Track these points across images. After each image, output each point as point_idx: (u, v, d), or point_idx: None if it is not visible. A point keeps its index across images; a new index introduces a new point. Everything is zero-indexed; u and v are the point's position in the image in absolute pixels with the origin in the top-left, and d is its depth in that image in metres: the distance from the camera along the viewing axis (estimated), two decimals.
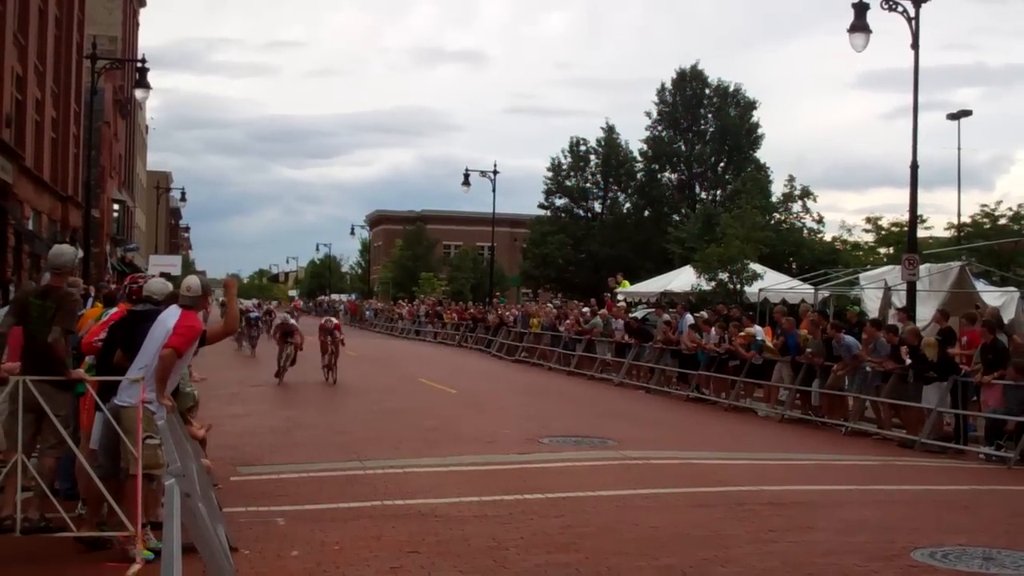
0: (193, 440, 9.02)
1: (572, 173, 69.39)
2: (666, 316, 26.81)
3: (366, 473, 12.94)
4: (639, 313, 32.07)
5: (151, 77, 31.66)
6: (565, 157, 69.45)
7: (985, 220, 41.26)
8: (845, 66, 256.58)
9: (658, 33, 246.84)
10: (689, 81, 65.02)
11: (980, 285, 25.69)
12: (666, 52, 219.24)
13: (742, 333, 22.18)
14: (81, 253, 9.23)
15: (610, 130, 68.64)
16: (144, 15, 73.15)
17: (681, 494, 11.87)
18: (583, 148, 69.25)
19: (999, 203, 41.82)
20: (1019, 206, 41.25)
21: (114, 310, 10.28)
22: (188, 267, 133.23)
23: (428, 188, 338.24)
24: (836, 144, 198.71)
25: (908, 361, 17.77)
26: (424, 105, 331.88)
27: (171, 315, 8.65)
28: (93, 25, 47.39)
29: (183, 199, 79.38)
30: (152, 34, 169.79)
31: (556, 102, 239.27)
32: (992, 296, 24.28)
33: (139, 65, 32.47)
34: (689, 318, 25.47)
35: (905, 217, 25.20)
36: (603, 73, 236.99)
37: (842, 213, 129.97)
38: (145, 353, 8.47)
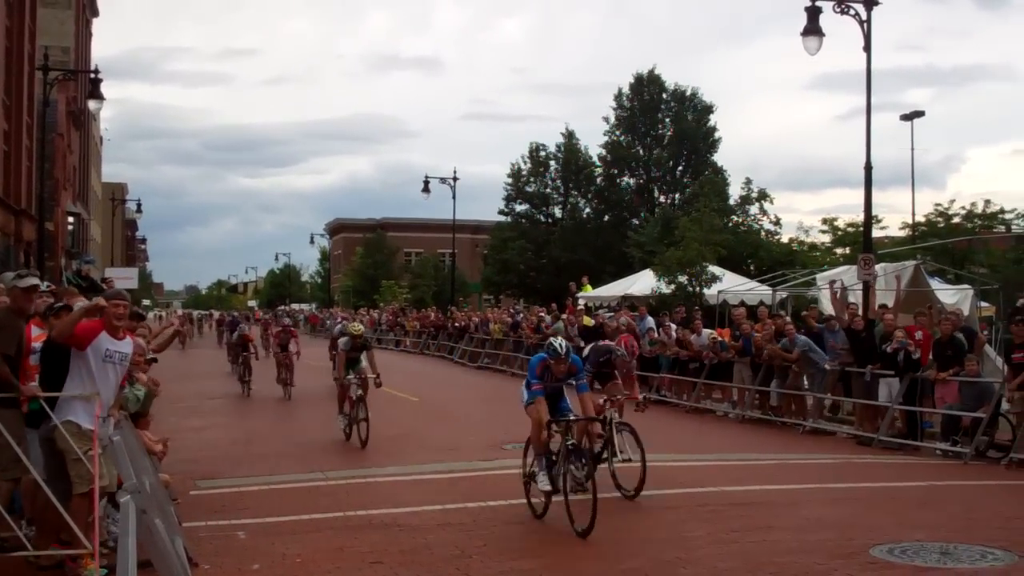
0: (150, 455, 8.95)
1: (532, 179, 69.49)
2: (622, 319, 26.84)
3: (328, 484, 12.89)
4: (605, 315, 32.10)
5: (104, 87, 31.40)
6: (525, 163, 69.60)
7: (939, 219, 41.70)
8: (799, 69, 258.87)
9: (614, 38, 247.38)
10: (646, 86, 65.28)
11: (935, 283, 25.95)
12: (623, 57, 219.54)
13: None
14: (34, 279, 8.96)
15: (570, 136, 68.85)
16: (96, 25, 72.53)
17: (644, 496, 11.90)
18: (543, 154, 69.40)
19: (952, 202, 42.38)
20: (972, 204, 41.77)
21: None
22: (145, 279, 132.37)
23: (386, 196, 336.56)
24: (791, 146, 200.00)
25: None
26: (381, 112, 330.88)
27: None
28: (45, 36, 46.84)
29: (139, 211, 78.61)
30: (105, 44, 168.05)
31: (514, 108, 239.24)
32: (947, 294, 24.56)
33: (92, 76, 32.15)
34: (650, 320, 25.58)
35: (861, 217, 25.38)
36: (560, 78, 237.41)
37: (798, 214, 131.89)
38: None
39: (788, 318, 22.00)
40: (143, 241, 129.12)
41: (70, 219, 56.52)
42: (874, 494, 12.59)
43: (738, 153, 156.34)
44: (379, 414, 20.81)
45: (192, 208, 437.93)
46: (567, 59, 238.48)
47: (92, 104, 34.24)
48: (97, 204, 78.23)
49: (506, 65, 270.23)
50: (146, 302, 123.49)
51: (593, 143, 73.17)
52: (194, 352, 46.73)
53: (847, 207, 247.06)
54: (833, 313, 20.81)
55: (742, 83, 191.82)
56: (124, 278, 61.74)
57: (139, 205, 76.46)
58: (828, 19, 21.22)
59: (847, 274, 24.64)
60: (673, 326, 24.19)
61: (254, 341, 26.78)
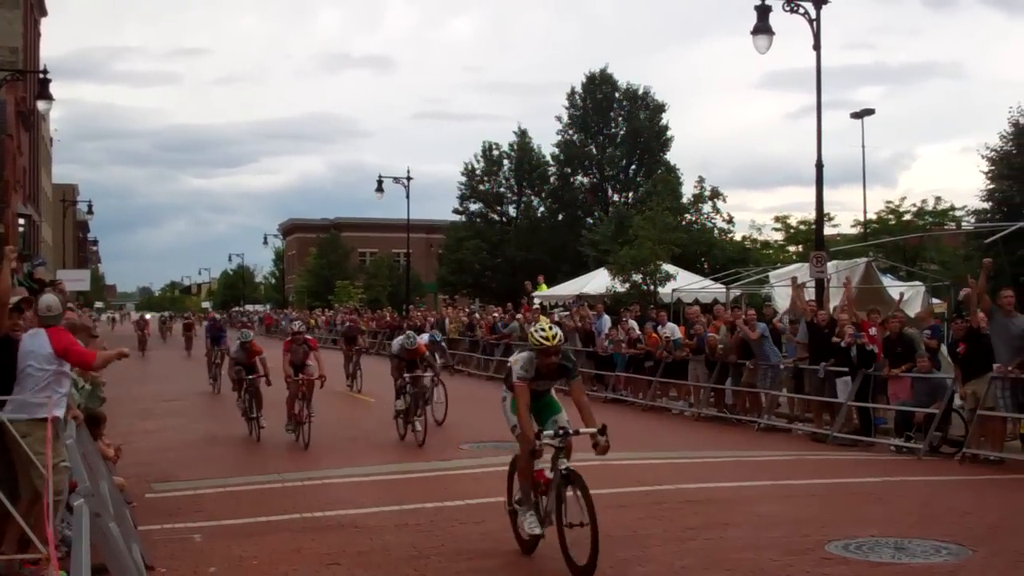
0: (104, 459, 8.87)
1: (486, 178, 69.44)
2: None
3: (284, 486, 12.83)
4: (557, 315, 32.20)
5: (53, 88, 30.95)
6: (478, 162, 69.54)
7: (890, 216, 42.19)
8: (749, 67, 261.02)
9: (564, 37, 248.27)
10: (599, 85, 65.42)
11: (887, 280, 26.24)
12: (573, 56, 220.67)
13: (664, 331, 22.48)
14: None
15: (523, 134, 68.86)
16: (45, 24, 71.66)
17: (600, 495, 11.86)
18: (496, 153, 69.37)
19: (903, 199, 42.84)
20: (923, 202, 42.29)
21: None
22: (97, 281, 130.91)
23: (339, 195, 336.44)
24: (743, 144, 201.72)
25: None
26: (332, 112, 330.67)
27: (40, 336, 8.51)
28: None
29: (90, 212, 77.80)
30: (53, 44, 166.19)
31: (466, 107, 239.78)
32: (899, 291, 24.81)
33: (41, 76, 31.73)
34: (607, 319, 25.67)
35: (812, 215, 25.62)
36: (512, 77, 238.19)
37: (751, 212, 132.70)
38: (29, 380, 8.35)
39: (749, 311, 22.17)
40: (95, 243, 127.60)
41: (21, 221, 55.75)
42: (829, 490, 12.69)
43: (690, 152, 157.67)
44: (335, 415, 20.76)
45: (143, 209, 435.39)
46: (518, 58, 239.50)
47: (41, 105, 33.70)
48: (48, 206, 77.27)
49: (457, 64, 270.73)
50: (99, 304, 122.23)
51: (546, 142, 73.35)
52: (155, 356, 45.88)
53: (799, 205, 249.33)
54: (787, 310, 21.00)
55: (692, 82, 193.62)
56: (76, 280, 61.07)
57: (90, 206, 75.60)
58: (777, 18, 21.37)
59: (800, 271, 24.84)
60: (632, 323, 24.27)
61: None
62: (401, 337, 18.28)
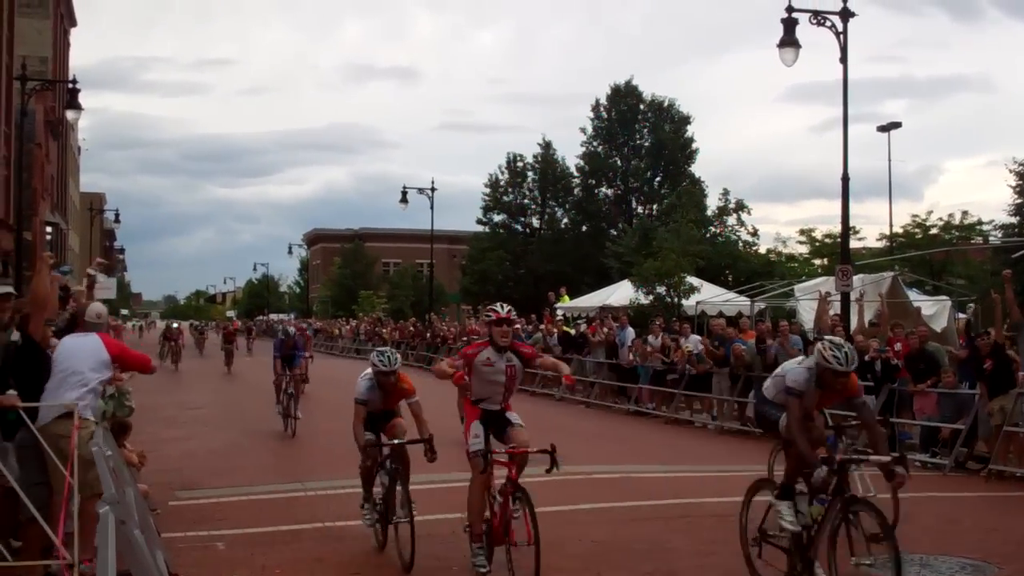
0: (129, 465, 8.91)
1: (510, 189, 69.58)
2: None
3: (307, 495, 12.84)
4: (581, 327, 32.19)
5: (81, 97, 31.15)
6: (502, 173, 69.70)
7: (917, 230, 41.96)
8: (774, 80, 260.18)
9: (588, 49, 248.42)
10: (624, 97, 65.42)
11: (913, 295, 26.11)
12: (597, 68, 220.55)
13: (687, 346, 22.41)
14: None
15: (547, 146, 69.00)
16: (74, 34, 72.28)
17: (623, 508, 11.91)
18: (520, 164, 69.50)
19: (930, 213, 42.60)
20: (949, 216, 42.04)
21: None
22: (123, 289, 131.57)
23: (363, 205, 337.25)
24: (767, 157, 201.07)
25: None
26: (357, 122, 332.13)
27: (92, 340, 8.65)
28: (23, 46, 46.73)
29: (117, 220, 78.29)
30: (81, 53, 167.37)
31: (490, 118, 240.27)
32: (925, 305, 24.71)
33: (70, 86, 31.97)
34: (631, 331, 25.61)
35: (838, 228, 25.51)
36: (536, 89, 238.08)
37: (775, 225, 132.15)
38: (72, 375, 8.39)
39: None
40: (121, 251, 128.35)
41: (48, 229, 56.18)
42: None
43: (714, 164, 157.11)
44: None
45: (169, 218, 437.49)
46: (542, 70, 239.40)
47: (70, 114, 33.96)
48: (75, 214, 77.84)
49: (482, 75, 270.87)
50: (124, 312, 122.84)
51: (570, 154, 73.39)
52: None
53: (824, 218, 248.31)
54: (813, 325, 20.89)
55: (716, 94, 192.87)
56: (103, 288, 61.30)
57: (117, 215, 76.11)
58: (803, 30, 21.32)
59: (825, 285, 24.74)
60: (661, 334, 24.24)
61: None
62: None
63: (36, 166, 49.91)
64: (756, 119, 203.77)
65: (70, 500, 7.85)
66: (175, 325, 50.53)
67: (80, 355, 8.45)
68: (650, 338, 24.31)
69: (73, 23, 71.21)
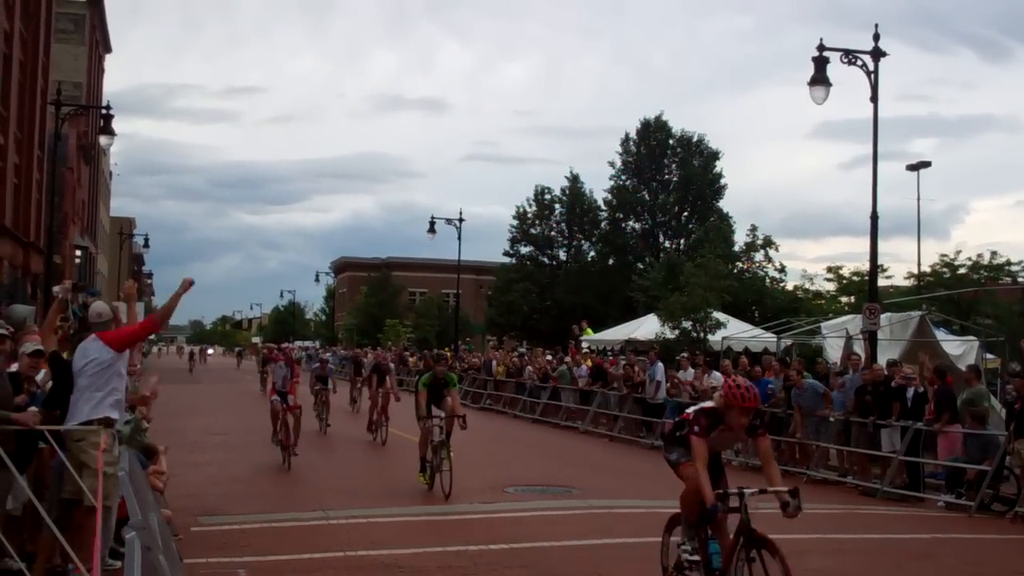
0: (154, 490, 8.95)
1: (537, 221, 69.70)
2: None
3: (329, 523, 12.85)
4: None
5: (112, 123, 31.54)
6: (530, 205, 69.85)
7: (945, 270, 41.69)
8: (801, 117, 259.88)
9: (616, 83, 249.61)
10: (654, 131, 65.49)
11: (940, 334, 25.93)
12: (624, 102, 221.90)
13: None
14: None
15: (575, 179, 69.14)
16: (107, 60, 73.05)
17: (646, 543, 11.83)
18: (548, 197, 69.64)
19: (959, 252, 42.33)
20: (978, 256, 41.78)
21: None
22: (150, 313, 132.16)
23: (389, 234, 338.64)
24: (794, 193, 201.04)
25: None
26: (384, 152, 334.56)
27: (93, 340, 8.77)
28: (58, 71, 47.26)
29: (146, 245, 78.92)
30: (112, 79, 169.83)
31: (517, 150, 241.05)
32: (952, 345, 24.53)
33: (104, 111, 32.32)
34: (661, 366, 25.43)
35: (865, 266, 25.44)
36: (563, 122, 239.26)
37: (801, 262, 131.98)
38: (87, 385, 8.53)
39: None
40: (149, 275, 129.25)
41: (78, 252, 56.65)
42: (878, 546, 12.53)
43: (741, 199, 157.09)
44: (381, 453, 20.82)
45: (196, 243, 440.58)
46: (569, 103, 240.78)
47: (103, 140, 34.34)
48: (105, 238, 78.47)
49: (509, 108, 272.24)
50: (150, 336, 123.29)
51: (597, 186, 73.38)
52: (223, 399, 45.35)
53: (850, 255, 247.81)
54: (838, 362, 20.83)
55: (743, 130, 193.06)
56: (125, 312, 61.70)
57: (147, 240, 76.74)
58: (832, 68, 21.35)
59: (853, 323, 24.66)
60: (690, 369, 24.21)
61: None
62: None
63: (67, 190, 50.42)
64: (783, 155, 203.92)
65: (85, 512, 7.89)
66: (210, 351, 52.14)
67: (87, 357, 8.61)
68: (681, 372, 24.27)
69: (108, 49, 71.99)
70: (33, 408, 8.58)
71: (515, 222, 69.99)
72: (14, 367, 9.17)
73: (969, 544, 12.90)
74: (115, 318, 9.29)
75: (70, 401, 8.49)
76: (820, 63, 21.20)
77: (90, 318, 8.97)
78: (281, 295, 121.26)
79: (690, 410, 8.45)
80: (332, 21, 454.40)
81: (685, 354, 25.81)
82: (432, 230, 50.03)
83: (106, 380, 8.57)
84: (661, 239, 66.52)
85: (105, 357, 8.60)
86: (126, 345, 8.93)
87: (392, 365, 28.88)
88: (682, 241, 64.27)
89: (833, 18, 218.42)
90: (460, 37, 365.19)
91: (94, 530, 7.79)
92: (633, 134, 66.11)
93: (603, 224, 68.08)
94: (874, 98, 21.11)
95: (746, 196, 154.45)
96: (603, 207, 67.89)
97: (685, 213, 65.79)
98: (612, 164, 66.63)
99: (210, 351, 51.54)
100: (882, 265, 43.30)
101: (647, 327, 36.98)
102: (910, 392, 17.28)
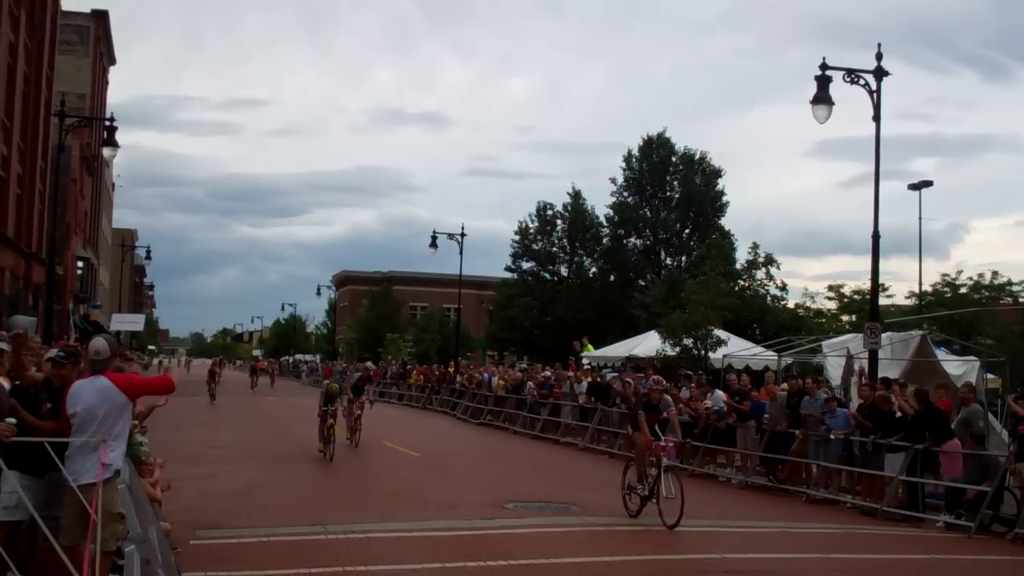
0: (152, 502, 8.94)
1: (539, 237, 69.71)
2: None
3: (328, 538, 12.83)
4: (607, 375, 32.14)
5: (115, 134, 31.60)
6: (532, 221, 69.86)
7: (946, 289, 41.69)
8: (802, 135, 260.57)
9: (616, 101, 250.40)
10: (656, 148, 65.52)
11: (941, 354, 25.92)
12: (624, 118, 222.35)
13: (706, 403, 22.37)
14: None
15: (576, 195, 69.16)
16: (111, 72, 73.20)
17: (645, 561, 11.84)
18: (550, 213, 69.68)
19: (960, 272, 42.33)
20: (979, 275, 41.77)
21: None
22: (151, 325, 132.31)
23: (389, 248, 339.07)
24: (794, 212, 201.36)
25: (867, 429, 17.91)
26: (385, 166, 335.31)
27: (101, 383, 8.10)
28: (62, 82, 47.34)
29: (148, 257, 79.05)
30: (115, 90, 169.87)
31: (517, 165, 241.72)
32: (953, 365, 24.52)
33: (107, 123, 32.37)
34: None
35: (866, 284, 25.44)
36: (564, 137, 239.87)
37: (801, 280, 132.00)
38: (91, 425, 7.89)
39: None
40: (151, 287, 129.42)
41: (79, 264, 56.75)
42: (877, 566, 12.51)
43: (742, 217, 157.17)
44: (380, 468, 20.82)
45: (197, 255, 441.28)
46: (570, 119, 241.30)
47: (106, 151, 34.43)
48: (107, 249, 78.58)
49: (510, 123, 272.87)
50: (151, 347, 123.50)
51: (598, 202, 73.34)
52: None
53: (850, 273, 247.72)
54: (839, 382, 20.81)
55: (744, 148, 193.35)
56: (131, 323, 61.95)
57: (148, 252, 76.85)
58: (834, 87, 21.36)
59: (853, 342, 24.63)
60: (692, 387, 24.19)
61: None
62: None
63: (70, 201, 50.46)
64: (783, 173, 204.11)
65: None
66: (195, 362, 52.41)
67: (92, 399, 7.96)
68: (682, 391, 24.24)
69: (112, 61, 72.16)
70: (11, 420, 8.21)
71: (517, 237, 70.03)
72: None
73: (969, 565, 12.88)
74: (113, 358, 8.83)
75: (70, 444, 7.80)
76: (823, 82, 21.22)
77: (91, 355, 8.48)
78: (282, 308, 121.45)
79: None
80: (335, 36, 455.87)
81: (687, 372, 25.77)
82: (434, 245, 50.02)
83: (122, 427, 8.04)
84: (663, 256, 66.49)
85: (119, 401, 8.01)
86: (139, 394, 8.45)
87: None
88: (683, 258, 64.22)
89: (832, 37, 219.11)
90: (461, 53, 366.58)
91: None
92: (635, 150, 66.19)
93: (605, 240, 68.09)
94: (876, 117, 21.14)
95: (745, 213, 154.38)
96: (605, 223, 67.92)
97: (687, 230, 65.75)
98: (614, 180, 66.71)
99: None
100: (883, 284, 43.28)
101: (648, 344, 36.95)
102: (898, 412, 17.33)
